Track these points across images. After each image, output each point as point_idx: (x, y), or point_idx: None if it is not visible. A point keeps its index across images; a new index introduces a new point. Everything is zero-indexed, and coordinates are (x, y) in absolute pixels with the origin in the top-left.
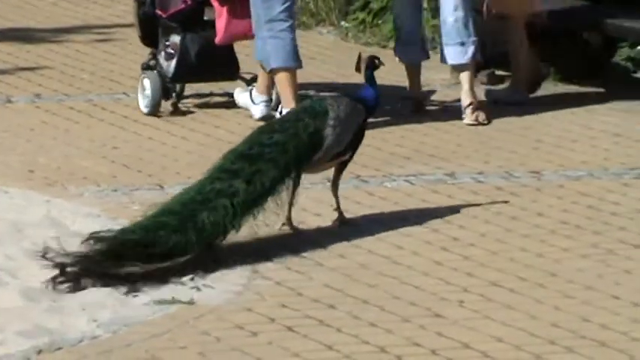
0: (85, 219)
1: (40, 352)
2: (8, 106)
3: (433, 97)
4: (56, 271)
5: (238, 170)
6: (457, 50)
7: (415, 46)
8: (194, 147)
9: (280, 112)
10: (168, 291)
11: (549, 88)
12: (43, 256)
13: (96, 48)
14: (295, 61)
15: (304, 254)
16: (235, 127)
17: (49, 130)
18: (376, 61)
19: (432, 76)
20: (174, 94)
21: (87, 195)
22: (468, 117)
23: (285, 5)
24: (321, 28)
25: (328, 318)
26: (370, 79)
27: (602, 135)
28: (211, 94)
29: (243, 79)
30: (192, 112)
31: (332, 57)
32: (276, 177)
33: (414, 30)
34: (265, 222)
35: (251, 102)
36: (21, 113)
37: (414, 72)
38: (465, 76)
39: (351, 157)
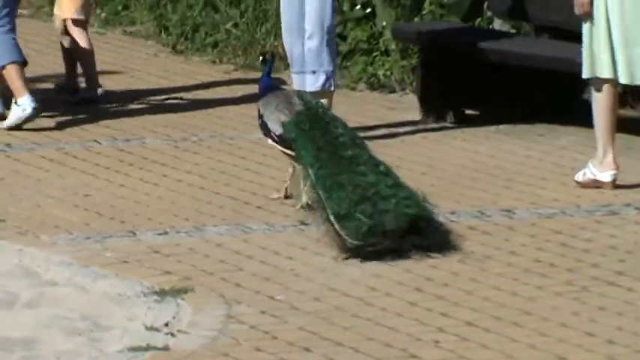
0: (57, 267)
1: None
2: None
3: (403, 139)
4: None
5: (357, 155)
6: (310, 78)
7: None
8: (166, 193)
9: (15, 102)
10: (142, 337)
11: (518, 125)
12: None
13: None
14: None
15: (279, 298)
16: (207, 172)
17: (20, 180)
18: (276, 56)
19: (402, 116)
20: None
21: (59, 243)
22: None
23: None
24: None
25: None
26: (269, 69)
27: (573, 172)
28: (184, 140)
29: None
30: (163, 159)
31: None
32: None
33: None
34: None
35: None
36: None
37: None
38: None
39: None
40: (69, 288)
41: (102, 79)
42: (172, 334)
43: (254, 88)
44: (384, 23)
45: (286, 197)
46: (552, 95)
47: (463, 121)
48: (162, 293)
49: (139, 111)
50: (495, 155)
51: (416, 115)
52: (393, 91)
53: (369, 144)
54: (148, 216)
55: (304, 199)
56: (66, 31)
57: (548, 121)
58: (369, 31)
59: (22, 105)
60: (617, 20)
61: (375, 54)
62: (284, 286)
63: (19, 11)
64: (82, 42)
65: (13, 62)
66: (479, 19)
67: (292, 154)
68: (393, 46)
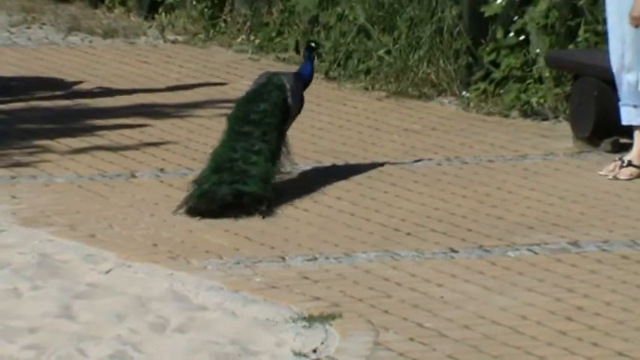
0: (207, 292)
1: None
2: (132, 180)
3: (556, 167)
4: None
5: (249, 132)
6: (629, 111)
7: None
8: (315, 219)
9: None
10: None
11: None
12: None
13: (219, 122)
14: None
15: (427, 325)
16: (357, 199)
17: (173, 205)
18: (312, 44)
19: (555, 144)
20: None
21: (210, 268)
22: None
23: None
24: (442, 98)
25: None
26: (309, 57)
27: None
28: (335, 166)
29: None
30: (311, 186)
31: (453, 127)
32: (278, 136)
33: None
34: None
35: None
36: (145, 188)
37: None
38: (636, 136)
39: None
40: (219, 313)
41: None
42: None
43: (407, 115)
44: (538, 50)
45: None
46: None
47: (619, 150)
48: (310, 319)
49: (290, 137)
50: None
51: (569, 143)
52: (546, 119)
53: (522, 172)
54: (298, 241)
55: None
56: None
57: None
58: (522, 58)
59: None
60: None
61: (528, 81)
62: (433, 314)
63: (175, 37)
64: None
65: None
66: None
67: None
68: (547, 74)
